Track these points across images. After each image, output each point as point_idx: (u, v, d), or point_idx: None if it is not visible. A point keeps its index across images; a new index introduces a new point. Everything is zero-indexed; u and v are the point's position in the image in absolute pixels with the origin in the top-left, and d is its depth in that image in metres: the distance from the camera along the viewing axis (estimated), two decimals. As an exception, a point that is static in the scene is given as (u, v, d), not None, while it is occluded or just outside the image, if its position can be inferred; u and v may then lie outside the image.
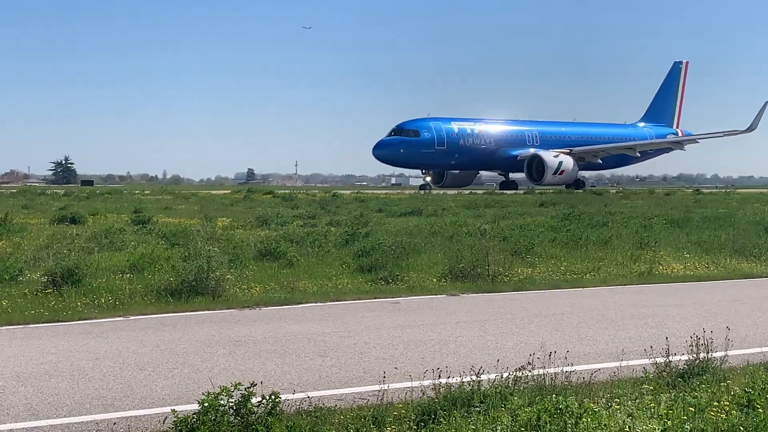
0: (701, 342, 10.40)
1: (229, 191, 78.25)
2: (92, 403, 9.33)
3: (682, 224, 34.15)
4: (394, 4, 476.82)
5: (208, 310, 15.70)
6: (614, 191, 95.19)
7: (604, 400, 9.10)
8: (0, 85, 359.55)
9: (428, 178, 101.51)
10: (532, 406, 8.34)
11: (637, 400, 9.01)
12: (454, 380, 9.07)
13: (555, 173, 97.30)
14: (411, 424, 8.38)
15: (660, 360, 10.37)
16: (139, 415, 8.88)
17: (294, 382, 10.17)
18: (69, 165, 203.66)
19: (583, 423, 7.99)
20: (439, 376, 9.26)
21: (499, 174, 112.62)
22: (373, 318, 15.04)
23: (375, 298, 17.35)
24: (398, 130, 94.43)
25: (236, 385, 8.12)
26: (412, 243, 24.47)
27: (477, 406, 8.59)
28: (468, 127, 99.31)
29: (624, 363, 10.87)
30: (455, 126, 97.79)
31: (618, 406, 8.74)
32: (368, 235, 26.15)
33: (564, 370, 9.77)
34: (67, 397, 9.52)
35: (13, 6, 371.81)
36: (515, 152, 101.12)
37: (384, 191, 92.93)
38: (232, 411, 7.91)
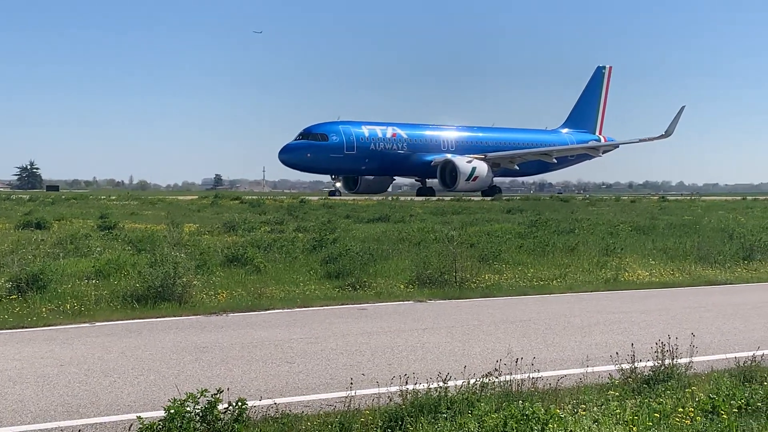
0: (666, 348, 10.48)
1: (197, 197, 78.00)
2: (57, 409, 9.25)
3: (647, 231, 34.40)
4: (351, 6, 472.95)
5: (175, 316, 15.62)
6: (581, 198, 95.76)
7: (570, 406, 9.14)
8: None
9: (338, 184, 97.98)
10: (498, 412, 8.38)
11: (603, 406, 9.05)
12: (421, 386, 9.07)
13: (468, 179, 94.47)
14: (378, 430, 8.39)
15: (626, 366, 10.43)
16: (105, 422, 8.82)
17: (261, 389, 10.14)
18: (34, 170, 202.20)
19: (549, 429, 8.03)
20: (406, 382, 9.28)
21: (415, 180, 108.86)
22: (341, 324, 15.03)
23: (342, 305, 17.33)
24: (306, 133, 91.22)
25: (203, 391, 8.09)
26: (379, 249, 24.49)
27: (444, 413, 8.60)
28: (380, 131, 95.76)
29: (590, 369, 10.93)
30: (366, 130, 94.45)
31: (584, 412, 8.78)
32: (336, 242, 26.15)
33: (531, 377, 9.80)
34: (31, 403, 9.45)
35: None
36: (430, 158, 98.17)
37: (352, 197, 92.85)
38: (198, 418, 7.89)
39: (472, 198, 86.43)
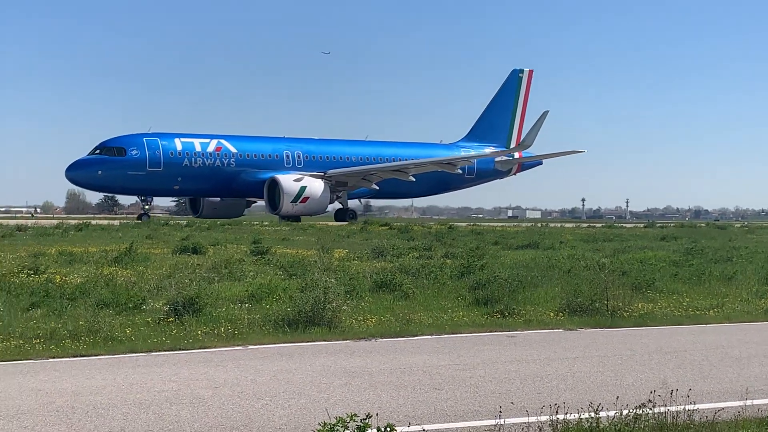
0: (831, 382, 10.04)
1: (346, 223, 78.88)
2: (211, 430, 9.48)
3: (811, 260, 33.08)
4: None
5: (324, 340, 15.83)
6: (739, 225, 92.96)
7: (728, 440, 8.86)
8: (129, 116, 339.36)
9: (146, 207, 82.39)
10: (652, 445, 8.18)
11: (763, 442, 8.74)
12: (571, 416, 8.95)
13: (295, 201, 79.67)
14: (527, 460, 8.30)
15: (787, 400, 10.06)
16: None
17: (409, 415, 10.16)
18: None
19: (706, 463, 7.80)
20: (557, 412, 9.15)
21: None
22: (489, 351, 14.95)
23: (491, 332, 17.25)
24: (101, 147, 77.18)
25: (352, 416, 8.15)
26: (528, 276, 24.28)
27: (595, 444, 8.44)
28: (199, 144, 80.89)
29: (749, 402, 10.57)
30: (179, 143, 79.72)
31: (743, 447, 8.50)
32: (484, 268, 26.02)
33: (686, 409, 9.55)
34: (187, 424, 9.70)
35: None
36: (267, 175, 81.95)
37: (500, 224, 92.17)
38: (347, 442, 7.95)
39: (593, 225, 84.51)
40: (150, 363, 13.52)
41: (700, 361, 14.21)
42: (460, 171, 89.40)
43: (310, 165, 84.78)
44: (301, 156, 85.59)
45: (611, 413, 9.16)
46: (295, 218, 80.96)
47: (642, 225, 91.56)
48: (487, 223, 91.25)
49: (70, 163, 76.53)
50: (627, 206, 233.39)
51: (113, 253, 30.40)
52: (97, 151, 76.86)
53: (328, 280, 18.80)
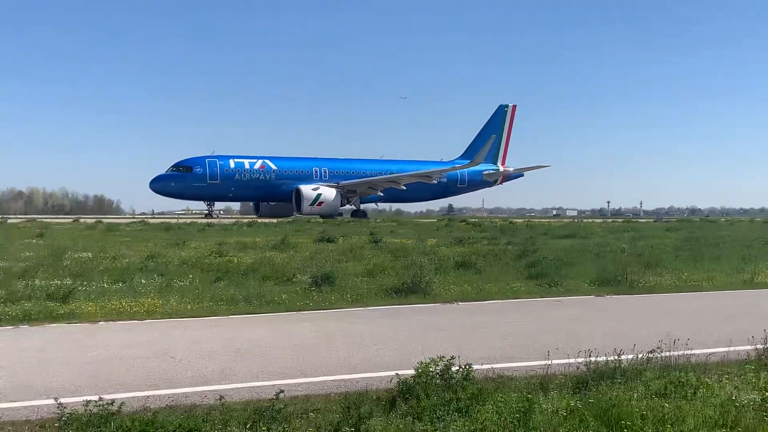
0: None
1: (435, 220, 78.67)
2: (341, 366, 9.62)
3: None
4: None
5: (421, 304, 15.85)
6: (723, 220, 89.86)
7: (716, 375, 8.64)
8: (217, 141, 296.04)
9: (212, 208, 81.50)
10: (660, 380, 8.06)
11: (742, 377, 8.50)
12: (601, 359, 8.81)
13: (313, 204, 77.83)
14: (569, 389, 8.22)
15: (760, 346, 9.74)
16: (374, 377, 9.07)
17: (482, 357, 10.13)
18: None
19: (699, 392, 7.66)
20: (590, 355, 9.02)
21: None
22: (541, 311, 14.79)
23: (542, 297, 17.05)
24: (175, 166, 77.22)
25: (441, 357, 8.20)
26: (568, 258, 23.91)
27: (618, 379, 8.33)
28: (248, 163, 79.48)
29: (732, 348, 10.27)
30: (233, 162, 78.66)
31: (727, 381, 8.28)
32: (536, 252, 25.73)
33: (685, 353, 9.33)
34: (324, 362, 9.86)
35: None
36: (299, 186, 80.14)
37: (547, 220, 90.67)
38: (438, 376, 8.00)
39: (616, 220, 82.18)
40: (300, 319, 13.75)
41: (697, 319, 13.83)
42: (435, 181, 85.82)
43: (333, 178, 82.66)
44: (327, 171, 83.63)
45: (630, 356, 9.01)
46: (329, 217, 76.97)
47: (652, 220, 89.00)
48: (537, 220, 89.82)
49: (152, 177, 76.74)
50: (641, 206, 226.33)
51: (272, 242, 30.94)
52: (172, 169, 76.89)
53: (423, 261, 18.84)
